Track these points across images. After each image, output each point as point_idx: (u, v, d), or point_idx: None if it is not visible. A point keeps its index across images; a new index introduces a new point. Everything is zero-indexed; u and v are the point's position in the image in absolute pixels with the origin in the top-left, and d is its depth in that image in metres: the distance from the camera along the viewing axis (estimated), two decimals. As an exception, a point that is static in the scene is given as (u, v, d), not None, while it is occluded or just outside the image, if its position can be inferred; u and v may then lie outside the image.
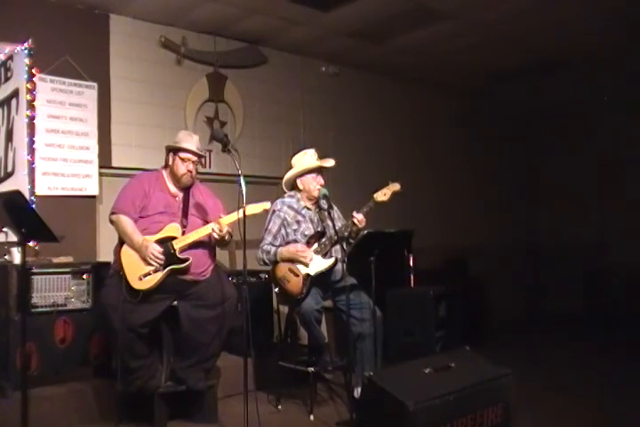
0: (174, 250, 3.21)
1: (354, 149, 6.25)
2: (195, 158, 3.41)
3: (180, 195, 3.44)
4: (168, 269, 3.18)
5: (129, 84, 4.86)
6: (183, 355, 3.33)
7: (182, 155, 3.38)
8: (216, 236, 3.22)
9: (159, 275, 3.17)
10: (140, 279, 3.15)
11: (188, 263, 3.22)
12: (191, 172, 3.40)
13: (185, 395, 3.36)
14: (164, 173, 3.48)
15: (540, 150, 8.54)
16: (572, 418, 3.53)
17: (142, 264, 3.17)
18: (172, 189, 3.44)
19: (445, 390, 2.52)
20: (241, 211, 3.08)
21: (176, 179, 3.41)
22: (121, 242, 3.29)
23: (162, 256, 3.16)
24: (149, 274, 3.16)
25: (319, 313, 3.63)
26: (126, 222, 3.25)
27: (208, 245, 3.41)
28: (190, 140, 3.42)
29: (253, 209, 3.25)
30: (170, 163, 3.43)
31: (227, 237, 3.29)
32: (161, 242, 3.22)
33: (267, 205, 3.34)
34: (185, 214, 3.38)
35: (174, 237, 3.25)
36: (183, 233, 3.28)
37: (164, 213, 3.33)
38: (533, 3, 4.76)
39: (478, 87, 7.16)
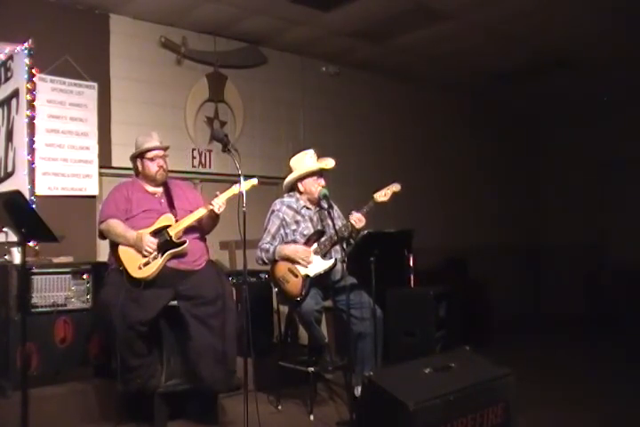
0: (170, 237, 3.26)
1: (354, 148, 6.25)
2: (162, 153, 3.48)
3: (159, 192, 3.51)
4: (167, 254, 3.23)
5: (129, 84, 4.86)
6: (196, 355, 3.24)
7: (149, 154, 3.46)
8: (216, 210, 3.27)
9: (159, 261, 3.21)
10: (140, 268, 3.19)
11: (185, 246, 3.26)
12: (162, 167, 3.47)
13: (185, 395, 3.36)
14: (138, 179, 3.55)
15: (540, 150, 8.54)
16: (572, 418, 3.53)
17: (140, 256, 3.22)
18: (150, 188, 3.51)
19: (445, 390, 2.52)
20: (235, 187, 3.21)
21: (151, 179, 3.49)
22: (112, 246, 3.32)
23: (155, 246, 3.21)
24: (149, 263, 3.20)
25: (319, 313, 3.63)
26: (117, 224, 3.30)
27: (199, 234, 3.47)
28: (150, 140, 3.49)
29: (242, 187, 3.23)
30: (140, 169, 3.50)
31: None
32: (156, 233, 3.27)
33: (254, 181, 3.34)
34: (172, 206, 3.44)
35: (169, 226, 3.30)
36: (176, 222, 3.33)
37: (148, 211, 3.39)
38: (533, 3, 4.76)
39: (478, 87, 7.15)
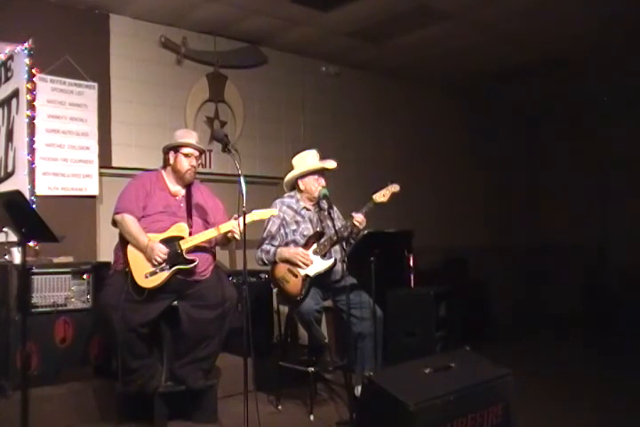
0: (181, 250, 3.22)
1: (354, 148, 6.24)
2: (197, 153, 3.44)
3: (181, 194, 3.46)
4: (174, 268, 3.19)
5: (129, 84, 4.86)
6: (181, 353, 3.33)
7: (185, 150, 3.41)
8: (237, 236, 3.23)
9: (165, 274, 3.18)
10: (146, 277, 3.16)
11: (193, 265, 3.23)
12: (194, 167, 3.43)
13: (185, 395, 3.35)
14: (164, 173, 3.49)
15: (540, 150, 8.54)
16: (572, 418, 3.53)
17: (148, 263, 3.18)
18: (173, 188, 3.45)
19: (445, 390, 2.52)
20: (249, 216, 3.16)
21: (179, 176, 3.43)
22: (122, 241, 3.30)
23: (165, 257, 3.17)
24: (155, 273, 3.17)
25: (319, 313, 3.64)
26: (132, 222, 3.26)
27: (209, 245, 3.43)
28: (190, 136, 3.46)
29: (261, 215, 3.30)
30: (171, 161, 3.43)
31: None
32: (167, 241, 3.23)
33: (274, 211, 3.43)
34: (189, 214, 3.39)
35: (181, 237, 3.26)
36: (190, 233, 3.29)
37: (163, 213, 3.34)
38: (533, 3, 4.76)
39: (478, 87, 7.15)
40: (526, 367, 4.46)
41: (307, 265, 3.61)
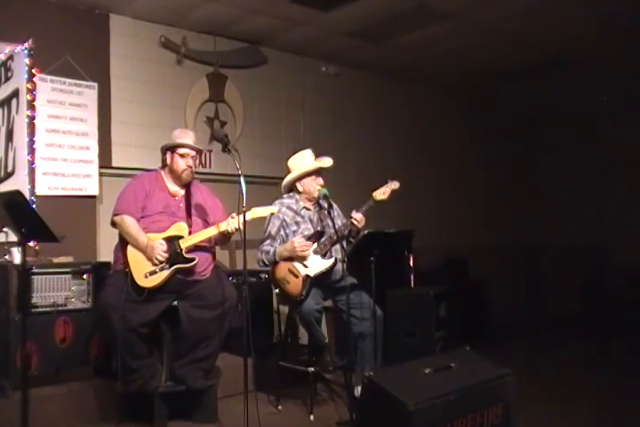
0: (181, 249, 3.23)
1: (354, 148, 6.25)
2: (193, 153, 3.44)
3: (180, 194, 3.46)
4: (174, 267, 3.19)
5: (129, 84, 4.86)
6: (181, 353, 3.33)
7: (181, 151, 3.41)
8: (230, 230, 3.23)
9: (165, 273, 3.18)
10: (146, 277, 3.16)
11: (193, 263, 3.23)
12: (191, 167, 3.43)
13: (185, 395, 3.35)
14: (163, 173, 3.49)
15: (540, 150, 8.54)
16: (573, 418, 3.53)
17: (148, 263, 3.19)
18: (172, 188, 3.46)
19: (445, 390, 2.52)
20: (249, 213, 3.16)
21: (176, 176, 3.43)
22: (122, 241, 3.30)
23: (166, 255, 3.18)
24: (155, 272, 3.17)
25: (319, 313, 3.63)
26: (131, 223, 3.26)
27: (209, 245, 3.43)
28: (186, 136, 3.46)
29: (260, 212, 3.30)
30: (168, 162, 3.44)
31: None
32: (167, 241, 3.23)
33: (274, 208, 3.42)
34: (189, 214, 3.39)
35: (181, 237, 3.26)
36: (189, 233, 3.30)
37: (162, 213, 3.35)
38: (533, 3, 4.76)
39: (478, 87, 7.15)
40: (526, 367, 4.46)
41: (307, 249, 3.58)
